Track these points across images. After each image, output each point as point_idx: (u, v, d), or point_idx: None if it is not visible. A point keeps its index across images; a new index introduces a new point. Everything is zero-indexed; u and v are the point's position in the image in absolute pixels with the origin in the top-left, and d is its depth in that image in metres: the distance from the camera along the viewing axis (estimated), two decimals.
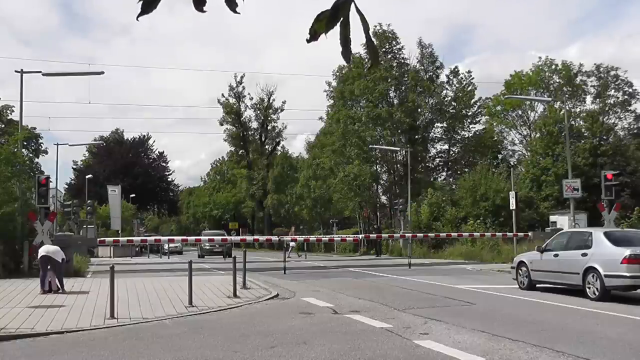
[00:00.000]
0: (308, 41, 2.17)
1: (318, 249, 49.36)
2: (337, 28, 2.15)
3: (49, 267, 14.30)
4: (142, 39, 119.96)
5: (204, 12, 2.18)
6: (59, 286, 14.33)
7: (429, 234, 31.39)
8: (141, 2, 2.14)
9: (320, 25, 2.13)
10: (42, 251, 14.51)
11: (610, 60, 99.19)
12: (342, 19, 2.14)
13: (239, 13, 2.18)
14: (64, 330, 9.39)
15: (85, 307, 11.85)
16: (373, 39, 2.25)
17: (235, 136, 68.83)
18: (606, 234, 13.61)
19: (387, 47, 49.01)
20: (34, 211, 20.95)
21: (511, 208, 27.32)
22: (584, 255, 13.30)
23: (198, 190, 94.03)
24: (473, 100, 50.74)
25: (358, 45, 51.58)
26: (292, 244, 39.65)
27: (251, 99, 67.89)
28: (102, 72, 24.47)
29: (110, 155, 67.66)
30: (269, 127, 69.28)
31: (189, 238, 34.77)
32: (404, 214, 40.34)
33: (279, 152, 69.77)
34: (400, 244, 36.89)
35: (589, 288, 12.92)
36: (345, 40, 2.19)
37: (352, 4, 2.12)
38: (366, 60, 48.41)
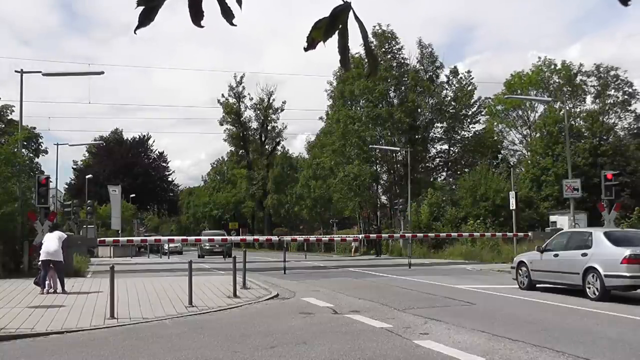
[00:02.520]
0: (305, 49, 2.13)
1: (318, 249, 49.36)
2: (335, 36, 2.12)
3: (51, 265, 14.31)
4: (142, 39, 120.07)
5: (202, 27, 2.16)
6: (61, 287, 14.31)
7: (429, 234, 31.39)
8: (139, 14, 2.12)
9: (318, 33, 2.10)
10: (43, 255, 14.44)
11: (611, 60, 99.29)
12: (340, 27, 2.11)
13: (235, 25, 2.15)
14: (64, 330, 9.39)
15: (85, 307, 11.85)
16: (372, 48, 2.22)
17: (235, 136, 68.85)
18: (606, 234, 13.61)
19: (386, 47, 49.04)
20: (34, 211, 20.95)
21: (511, 208, 27.33)
22: (584, 255, 13.30)
23: (198, 190, 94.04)
24: (473, 100, 50.80)
25: (359, 46, 51.69)
26: (354, 243, 39.74)
27: (251, 99, 67.95)
28: (102, 72, 24.46)
29: (110, 155, 67.63)
30: (269, 127, 69.31)
31: (189, 238, 34.74)
32: (404, 214, 40.37)
33: (279, 152, 69.77)
34: (400, 244, 36.90)
35: (589, 288, 12.92)
36: (344, 49, 2.15)
37: (351, 12, 2.09)
38: (365, 62, 48.22)
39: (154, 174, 73.83)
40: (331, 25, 2.09)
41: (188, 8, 2.13)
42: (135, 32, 2.16)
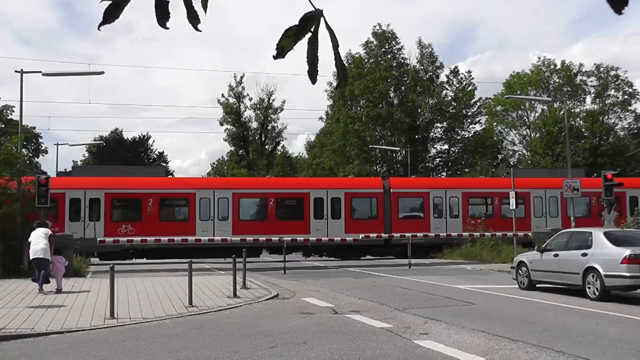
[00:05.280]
0: (275, 57, 2.08)
1: None
2: (305, 45, 2.07)
3: (43, 265, 14.26)
4: (143, 39, 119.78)
5: (167, 28, 2.12)
6: (40, 285, 14.08)
7: (429, 234, 31.36)
8: (104, 10, 2.08)
9: (287, 42, 2.04)
10: (31, 253, 14.36)
11: (613, 60, 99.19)
12: (310, 35, 2.07)
13: (200, 30, 2.12)
14: (64, 330, 9.39)
15: (85, 307, 11.85)
16: (342, 57, 2.16)
17: (235, 136, 68.81)
18: (606, 234, 13.61)
19: (387, 47, 49.05)
20: (34, 211, 20.93)
21: (511, 208, 27.31)
22: (584, 255, 13.31)
23: None
24: (473, 101, 50.79)
25: (358, 46, 51.52)
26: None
27: (250, 99, 67.89)
28: (102, 72, 24.43)
29: (110, 156, 67.65)
30: (269, 127, 69.28)
31: (189, 238, 34.72)
32: None
33: (279, 152, 69.80)
34: None
35: (589, 288, 12.93)
36: (313, 58, 2.09)
37: (322, 19, 2.05)
38: (366, 61, 48.20)
39: None
40: (300, 32, 2.04)
41: (154, 9, 2.09)
42: (99, 29, 2.12)
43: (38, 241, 14.50)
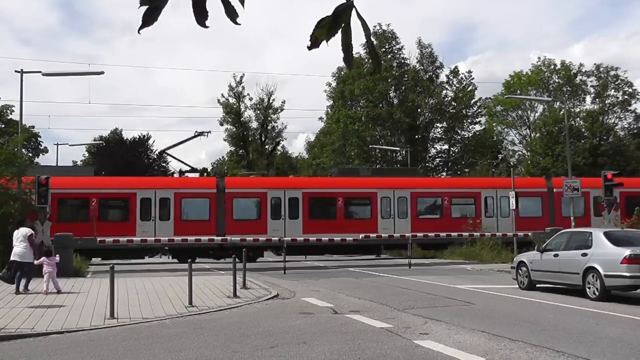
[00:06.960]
0: (309, 48, 2.15)
1: None
2: (338, 34, 2.13)
3: (24, 269, 14.18)
4: (143, 38, 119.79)
5: (207, 27, 2.17)
6: (24, 287, 14.07)
7: (429, 234, 31.37)
8: (143, 14, 2.13)
9: (321, 32, 2.11)
10: (12, 256, 14.34)
11: (614, 60, 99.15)
12: (343, 25, 2.12)
13: (239, 24, 2.17)
14: (64, 330, 9.40)
15: (85, 307, 11.85)
16: (375, 44, 2.23)
17: (235, 136, 68.85)
18: (606, 234, 13.62)
19: (387, 47, 49.07)
20: (34, 211, 20.94)
21: (511, 208, 27.32)
22: (584, 255, 13.31)
23: None
24: (473, 101, 50.81)
25: (357, 46, 51.68)
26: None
27: (251, 99, 67.94)
28: (102, 72, 24.48)
29: (110, 156, 67.65)
30: (269, 127, 69.31)
31: (189, 238, 34.73)
32: None
33: (279, 152, 69.88)
34: None
35: (589, 288, 12.93)
36: (347, 47, 2.16)
37: (353, 10, 2.11)
38: (366, 60, 48.30)
39: (154, 174, 73.84)
40: (334, 24, 2.10)
41: (192, 8, 2.14)
42: (139, 32, 2.18)
43: (17, 244, 14.44)
